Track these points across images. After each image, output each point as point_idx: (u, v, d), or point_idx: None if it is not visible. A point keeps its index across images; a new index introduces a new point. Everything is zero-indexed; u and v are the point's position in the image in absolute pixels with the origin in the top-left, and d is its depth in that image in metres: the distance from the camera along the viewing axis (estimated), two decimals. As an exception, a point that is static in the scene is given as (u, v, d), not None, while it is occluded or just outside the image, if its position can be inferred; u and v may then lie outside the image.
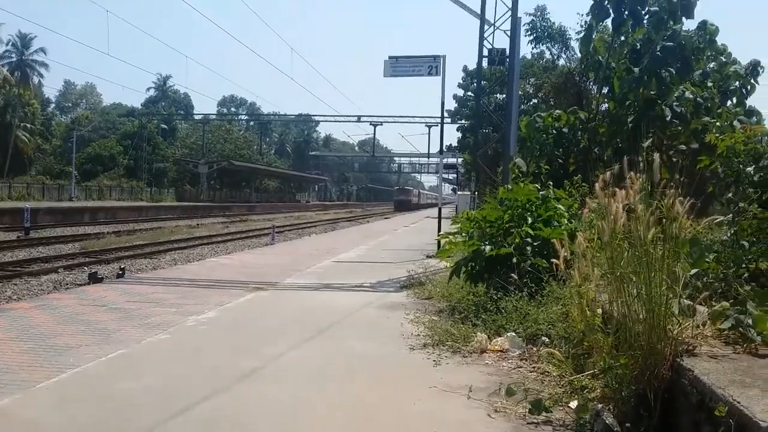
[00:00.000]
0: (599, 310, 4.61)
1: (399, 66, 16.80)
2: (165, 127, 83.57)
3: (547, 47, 29.87)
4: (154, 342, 6.33)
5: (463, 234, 8.21)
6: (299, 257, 15.37)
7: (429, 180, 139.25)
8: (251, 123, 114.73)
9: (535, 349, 5.83)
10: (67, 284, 12.94)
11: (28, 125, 62.78)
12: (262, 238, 26.21)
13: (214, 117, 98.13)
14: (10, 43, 63.11)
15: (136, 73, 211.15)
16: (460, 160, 43.71)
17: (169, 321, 7.27)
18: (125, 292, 9.39)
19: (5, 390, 4.66)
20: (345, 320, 7.66)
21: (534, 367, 5.41)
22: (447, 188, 71.90)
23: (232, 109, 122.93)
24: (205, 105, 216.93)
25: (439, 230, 16.44)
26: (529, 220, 7.74)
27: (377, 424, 4.23)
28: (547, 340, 5.75)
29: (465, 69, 43.75)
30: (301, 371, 5.40)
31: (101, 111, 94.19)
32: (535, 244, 7.38)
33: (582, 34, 14.83)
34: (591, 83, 22.77)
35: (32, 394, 4.63)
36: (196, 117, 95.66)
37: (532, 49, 30.51)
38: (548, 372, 5.12)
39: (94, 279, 12.57)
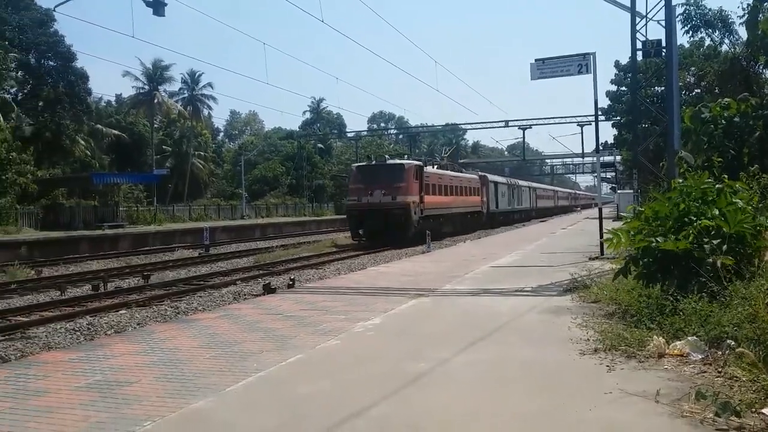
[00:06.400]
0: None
1: (546, 68, 16.34)
2: (321, 146, 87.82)
3: (707, 34, 27.57)
4: (326, 347, 6.67)
5: (631, 231, 7.75)
6: (456, 263, 15.44)
7: (585, 180, 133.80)
8: (400, 136, 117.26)
9: (719, 353, 5.38)
10: (244, 295, 13.95)
11: (202, 153, 69.34)
12: (418, 246, 26.60)
13: (365, 133, 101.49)
14: (182, 81, 69.68)
15: (293, 98, 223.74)
16: (618, 158, 41.47)
17: (338, 328, 7.63)
18: (297, 301, 10.00)
19: (199, 393, 5.10)
20: (508, 325, 7.57)
21: (720, 372, 4.99)
22: (605, 187, 68.44)
23: (382, 124, 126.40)
24: (356, 122, 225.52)
25: (600, 230, 15.74)
26: (708, 213, 7.14)
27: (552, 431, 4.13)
28: (733, 343, 5.27)
29: (617, 64, 41.59)
30: (468, 376, 5.41)
31: (264, 136, 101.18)
32: (714, 242, 6.79)
33: (746, 17, 13.61)
34: (762, 67, 20.71)
35: (223, 397, 5.01)
36: (349, 134, 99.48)
37: (690, 37, 28.31)
38: (737, 377, 4.70)
39: (268, 290, 13.43)
